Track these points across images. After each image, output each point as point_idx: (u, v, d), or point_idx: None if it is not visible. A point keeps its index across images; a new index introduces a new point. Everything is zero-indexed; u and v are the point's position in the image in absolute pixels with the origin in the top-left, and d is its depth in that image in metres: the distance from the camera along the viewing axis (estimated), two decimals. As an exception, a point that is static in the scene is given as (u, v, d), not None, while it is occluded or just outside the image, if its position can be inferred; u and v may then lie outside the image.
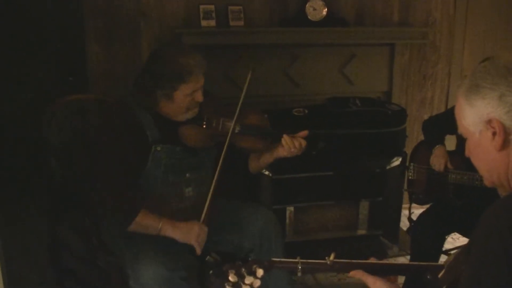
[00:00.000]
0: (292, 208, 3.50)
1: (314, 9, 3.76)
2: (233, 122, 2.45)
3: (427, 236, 2.92)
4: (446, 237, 3.05)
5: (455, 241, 3.69)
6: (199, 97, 2.43)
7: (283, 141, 2.48)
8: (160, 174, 2.43)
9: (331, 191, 3.52)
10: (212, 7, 3.64)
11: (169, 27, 3.63)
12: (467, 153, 1.57)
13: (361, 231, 3.68)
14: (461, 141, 3.13)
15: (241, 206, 2.69)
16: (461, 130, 1.53)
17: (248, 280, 1.61)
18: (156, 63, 2.41)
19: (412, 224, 3.23)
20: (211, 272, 1.64)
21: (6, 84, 2.63)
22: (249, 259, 1.93)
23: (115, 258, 2.44)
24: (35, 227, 2.66)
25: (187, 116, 2.46)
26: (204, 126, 2.49)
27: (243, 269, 1.64)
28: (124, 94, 2.56)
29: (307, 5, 3.74)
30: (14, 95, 2.73)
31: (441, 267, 1.66)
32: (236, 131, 2.49)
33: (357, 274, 1.66)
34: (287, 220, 3.51)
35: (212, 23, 3.64)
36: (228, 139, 2.43)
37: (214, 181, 2.42)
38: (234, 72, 3.64)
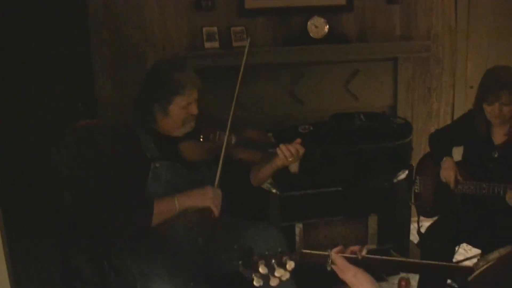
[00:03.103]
0: (301, 225, 3.50)
1: (316, 27, 3.81)
2: (228, 125, 2.48)
3: (436, 248, 2.92)
4: (456, 248, 3.05)
5: (466, 252, 3.68)
6: (194, 109, 2.48)
7: (278, 151, 2.48)
8: (161, 190, 2.47)
9: (339, 206, 3.51)
10: (215, 29, 3.70)
11: (174, 52, 3.69)
12: None
13: (371, 246, 3.67)
14: (468, 152, 3.15)
15: (249, 225, 2.70)
16: None
17: (278, 272, 1.58)
18: (152, 79, 2.50)
19: (421, 237, 3.23)
20: (240, 262, 1.59)
21: (16, 115, 2.69)
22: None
23: (126, 279, 2.47)
24: (47, 254, 2.69)
25: (184, 130, 2.52)
26: (202, 140, 2.53)
27: (273, 261, 1.59)
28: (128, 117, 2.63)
29: (308, 23, 3.79)
30: (24, 125, 2.78)
31: (470, 269, 1.65)
32: (233, 142, 2.52)
33: (338, 260, 1.63)
34: (297, 237, 3.51)
35: (216, 44, 3.70)
36: (224, 147, 2.47)
37: (223, 147, 2.46)
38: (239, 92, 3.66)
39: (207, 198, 2.42)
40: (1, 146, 1.95)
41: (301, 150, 2.50)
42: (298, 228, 3.49)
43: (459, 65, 4.31)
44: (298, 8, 3.85)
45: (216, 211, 2.43)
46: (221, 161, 2.46)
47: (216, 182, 2.46)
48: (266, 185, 3.32)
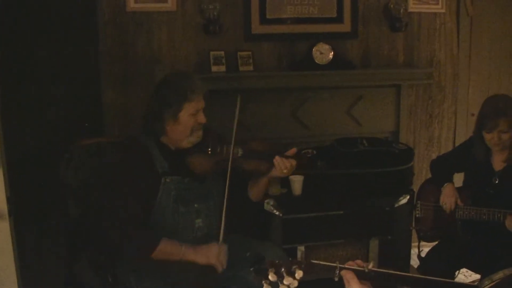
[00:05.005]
0: (302, 248, 3.52)
1: (321, 53, 3.87)
2: (232, 142, 2.55)
3: (436, 272, 2.93)
4: (456, 273, 3.08)
5: (466, 277, 3.69)
6: (202, 118, 2.57)
7: (274, 162, 2.58)
8: (170, 204, 2.53)
9: (341, 229, 3.53)
10: (222, 53, 3.77)
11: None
12: None
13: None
14: (469, 178, 3.20)
15: (254, 243, 2.75)
16: None
17: (287, 280, 1.59)
18: (162, 88, 2.59)
19: (422, 261, 3.26)
20: (252, 268, 1.63)
21: (24, 129, 2.75)
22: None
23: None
24: (52, 266, 2.73)
25: (192, 140, 2.58)
26: (209, 153, 2.61)
27: (283, 269, 1.61)
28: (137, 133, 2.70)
29: (313, 49, 3.86)
30: (32, 139, 2.84)
31: None
32: (239, 154, 2.61)
33: (347, 275, 1.64)
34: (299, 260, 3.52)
35: (222, 68, 3.77)
36: (230, 160, 2.53)
37: (225, 199, 2.50)
38: (243, 115, 3.71)
39: (212, 257, 2.47)
40: (12, 158, 2.01)
41: (294, 164, 2.59)
42: (300, 251, 3.51)
43: (461, 93, 4.37)
44: (303, 34, 3.93)
45: (219, 269, 2.49)
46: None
47: (221, 238, 2.50)
48: (269, 207, 3.36)
